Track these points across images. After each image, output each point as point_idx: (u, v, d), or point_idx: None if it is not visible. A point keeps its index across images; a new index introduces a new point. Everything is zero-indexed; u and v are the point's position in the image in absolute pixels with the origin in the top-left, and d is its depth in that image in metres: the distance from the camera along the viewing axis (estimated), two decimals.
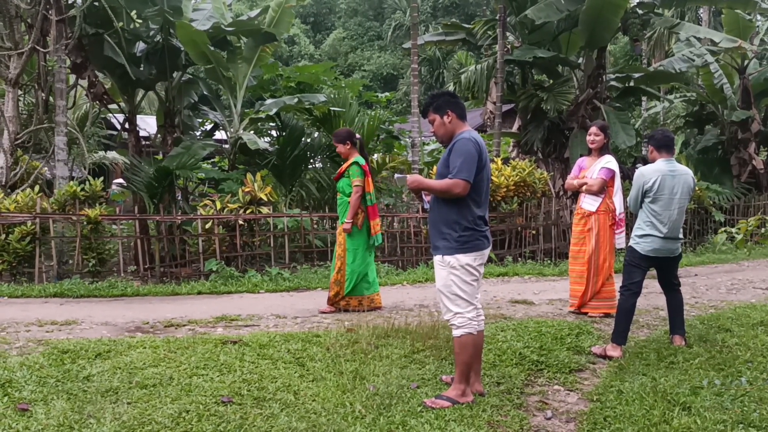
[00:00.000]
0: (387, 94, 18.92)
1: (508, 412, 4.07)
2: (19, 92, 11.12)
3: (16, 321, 6.49)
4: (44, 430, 3.53)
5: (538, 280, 9.90)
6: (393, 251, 11.31)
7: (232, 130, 12.25)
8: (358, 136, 7.26)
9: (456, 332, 4.15)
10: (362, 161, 7.04)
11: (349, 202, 6.99)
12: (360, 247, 7.09)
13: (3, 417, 3.67)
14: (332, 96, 12.95)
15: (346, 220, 6.98)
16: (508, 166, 12.40)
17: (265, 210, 10.26)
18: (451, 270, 4.11)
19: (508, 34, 15.40)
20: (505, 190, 11.85)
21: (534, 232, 12.33)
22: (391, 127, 15.21)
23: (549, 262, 11.89)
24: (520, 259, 11.93)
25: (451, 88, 19.18)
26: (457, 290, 4.10)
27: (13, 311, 7.06)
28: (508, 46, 15.41)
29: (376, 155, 14.04)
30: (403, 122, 17.53)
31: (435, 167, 12.37)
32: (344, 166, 7.10)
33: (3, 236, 8.89)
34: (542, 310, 7.33)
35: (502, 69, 14.70)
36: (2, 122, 10.70)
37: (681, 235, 5.54)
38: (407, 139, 16.02)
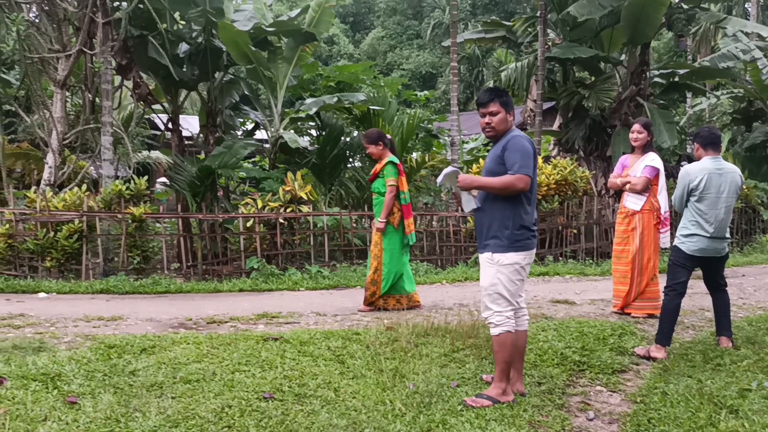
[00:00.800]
0: (426, 92, 18.89)
1: (549, 413, 4.04)
2: (67, 93, 11.39)
3: (64, 316, 6.66)
4: (92, 422, 3.61)
5: (580, 280, 9.77)
6: (432, 250, 11.28)
7: (272, 129, 12.37)
8: (388, 136, 7.24)
9: (494, 330, 4.13)
10: (396, 160, 7.03)
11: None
12: (396, 247, 7.07)
13: (53, 409, 3.77)
14: (371, 95, 12.99)
15: (380, 219, 6.96)
16: (549, 164, 12.28)
17: (305, 208, 10.34)
18: (499, 268, 4.08)
19: (548, 31, 15.21)
20: (545, 188, 11.72)
21: (575, 231, 12.17)
22: (430, 125, 15.18)
23: (590, 261, 11.73)
24: (560, 258, 11.79)
25: (491, 86, 19.01)
26: (501, 289, 4.08)
27: (62, 307, 7.25)
28: (549, 44, 15.23)
29: (414, 154, 14.04)
30: (443, 120, 17.46)
31: (475, 166, 12.34)
32: (378, 166, 7.09)
33: (52, 234, 9.13)
34: (584, 310, 7.24)
35: (543, 66, 14.54)
36: (51, 123, 10.98)
37: (728, 235, 5.42)
38: (446, 138, 15.97)
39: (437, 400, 4.12)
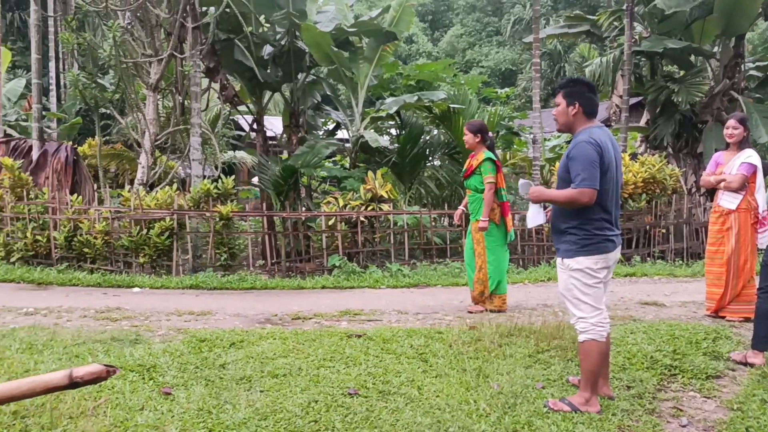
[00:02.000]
0: (507, 89, 18.65)
1: (639, 418, 3.91)
2: (158, 96, 11.87)
3: (157, 310, 6.95)
4: (186, 413, 3.75)
5: (669, 281, 9.42)
6: (514, 249, 11.13)
7: (353, 128, 12.50)
8: (491, 134, 7.14)
9: (580, 337, 4.02)
10: (494, 157, 6.91)
11: (483, 199, 6.86)
12: (499, 244, 6.97)
13: (149, 399, 3.94)
14: (452, 93, 12.92)
15: (482, 218, 6.81)
16: (636, 162, 11.89)
17: (385, 207, 10.40)
18: (570, 273, 3.99)
19: (635, 24, 14.73)
20: (632, 187, 11.36)
21: (664, 231, 11.73)
22: (510, 123, 14.98)
23: (680, 262, 11.29)
24: (648, 259, 11.40)
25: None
26: (578, 294, 3.97)
27: (154, 301, 7.56)
28: (636, 37, 14.74)
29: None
30: (524, 118, 17.21)
31: (557, 164, 12.10)
32: (474, 162, 6.95)
33: (145, 231, 9.53)
34: (674, 313, 6.97)
35: (630, 61, 14.08)
36: (144, 125, 11.47)
37: None
38: (528, 135, 15.72)
39: (522, 401, 4.06)
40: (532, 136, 15.16)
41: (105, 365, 1.70)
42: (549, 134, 17.92)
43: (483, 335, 5.45)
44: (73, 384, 1.65)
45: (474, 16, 53.46)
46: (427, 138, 13.08)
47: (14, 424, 3.41)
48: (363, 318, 6.69)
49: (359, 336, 5.49)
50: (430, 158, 13.25)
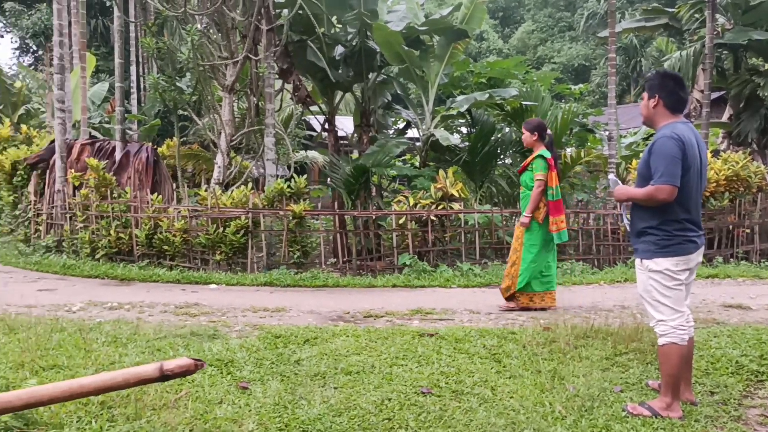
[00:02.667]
0: (580, 86, 18.23)
1: (724, 425, 3.76)
2: (234, 98, 12.16)
3: (233, 306, 7.13)
4: (262, 407, 3.83)
5: (755, 283, 9.01)
6: (588, 249, 10.87)
7: (424, 127, 12.48)
8: (549, 132, 7.02)
9: (659, 340, 3.89)
10: (548, 154, 6.81)
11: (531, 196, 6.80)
12: (538, 243, 6.84)
13: (227, 393, 4.04)
14: (524, 90, 12.73)
15: (525, 214, 6.78)
16: (719, 159, 11.42)
17: (456, 206, 10.35)
18: (649, 274, 3.86)
19: (717, 15, 14.16)
20: (714, 185, 10.91)
21: (748, 230, 11.22)
22: (584, 119, 14.64)
23: (766, 263, 10.78)
24: (731, 260, 10.93)
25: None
26: (658, 296, 3.84)
27: (231, 298, 7.76)
28: (718, 29, 14.17)
29: (569, 149, 13.60)
30: (598, 114, 16.78)
31: (634, 161, 11.73)
32: (529, 159, 6.93)
33: (221, 229, 9.78)
34: (761, 316, 6.66)
35: (711, 54, 13.54)
36: (220, 125, 11.77)
37: None
38: (603, 133, 15.33)
39: (599, 405, 3.97)
40: (607, 133, 14.77)
41: (193, 359, 1.76)
42: (625, 131, 17.43)
43: (558, 336, 5.35)
44: (164, 377, 1.72)
45: (546, 11, 52.56)
46: (499, 136, 12.93)
47: (101, 414, 3.56)
48: (434, 317, 6.68)
49: (431, 335, 5.48)
50: (502, 156, 13.09)
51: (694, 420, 3.77)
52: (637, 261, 3.97)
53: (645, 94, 3.97)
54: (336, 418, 3.71)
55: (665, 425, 3.68)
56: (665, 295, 3.83)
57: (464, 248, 10.40)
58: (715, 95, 15.97)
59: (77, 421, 3.43)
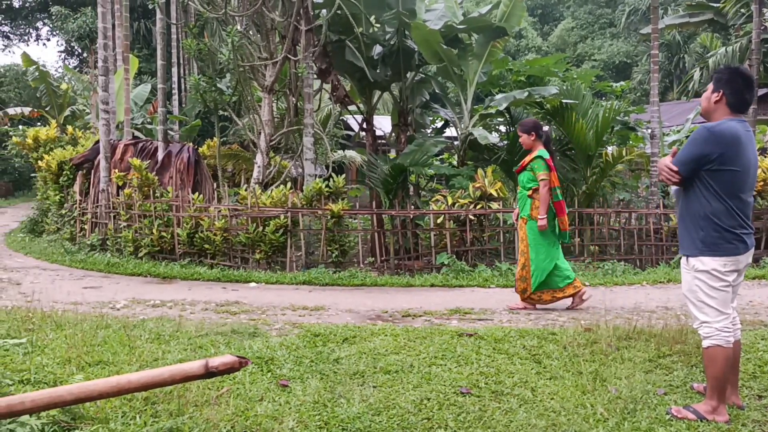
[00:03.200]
0: (622, 83, 17.90)
1: None
2: (273, 98, 12.27)
3: (273, 305, 7.19)
4: (302, 405, 3.85)
5: None
6: (630, 249, 10.70)
7: (462, 126, 12.42)
8: (545, 128, 7.00)
9: (704, 343, 3.80)
10: (546, 155, 6.80)
11: (528, 196, 6.83)
12: (544, 243, 6.83)
13: (268, 391, 4.08)
14: (564, 88, 12.58)
15: (540, 216, 6.73)
16: (766, 156, 11.12)
17: (494, 205, 10.29)
18: (695, 274, 3.76)
19: (765, 10, 13.79)
20: (761, 183, 10.64)
21: None
22: (626, 117, 14.38)
23: None
24: None
25: (696, 74, 17.65)
26: (703, 297, 3.74)
27: (270, 296, 7.83)
28: (765, 24, 13.80)
29: (610, 148, 13.38)
30: (640, 112, 16.48)
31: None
32: (527, 158, 6.90)
33: (261, 228, 9.89)
34: None
35: (758, 49, 13.19)
36: (260, 125, 11.89)
37: None
38: (645, 131, 15.04)
39: (642, 407, 3.90)
40: (649, 131, 14.49)
41: (237, 356, 1.78)
42: (668, 129, 17.08)
43: (599, 337, 5.27)
44: (209, 373, 1.74)
45: (586, 8, 51.82)
46: None
47: (145, 410, 3.63)
48: (473, 317, 6.65)
49: (470, 335, 5.45)
50: None
51: (741, 424, 3.67)
52: (683, 259, 3.88)
53: (710, 86, 3.87)
54: (375, 417, 3.72)
55: (711, 429, 3.60)
56: (711, 296, 3.74)
57: (503, 248, 10.33)
58: (762, 92, 15.57)
59: (122, 417, 3.50)
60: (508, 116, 12.74)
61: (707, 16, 15.17)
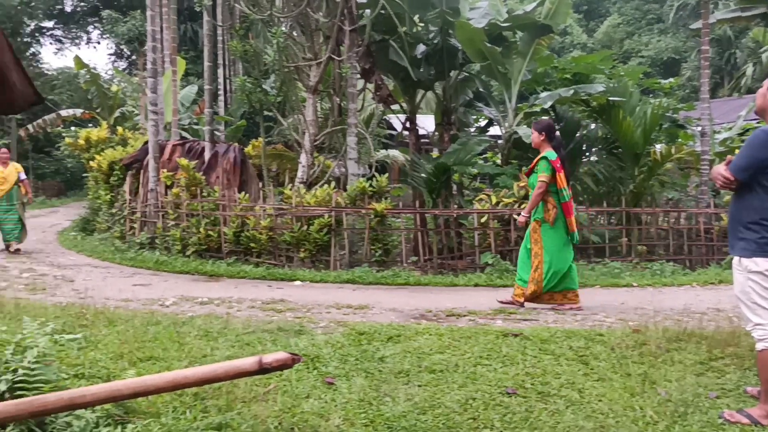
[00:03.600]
0: (670, 80, 17.52)
1: None
2: (317, 98, 12.36)
3: (318, 303, 7.26)
4: (348, 403, 3.88)
5: None
6: (679, 249, 10.48)
7: (506, 125, 12.33)
8: (558, 135, 7.05)
9: (758, 345, 3.70)
10: (553, 156, 6.80)
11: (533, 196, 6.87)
12: (556, 245, 6.85)
13: (314, 388, 4.12)
14: (610, 85, 12.37)
15: (523, 213, 6.91)
16: None
17: None
18: (748, 275, 3.66)
19: None
20: None
21: None
22: (675, 115, 14.08)
23: None
24: None
25: (749, 70, 17.15)
26: (756, 298, 3.64)
27: (315, 294, 7.90)
28: None
29: (658, 146, 13.12)
30: (690, 109, 16.09)
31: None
32: (535, 160, 6.94)
33: (305, 227, 9.98)
34: None
35: None
36: (304, 125, 12.00)
37: None
38: (695, 128, 14.69)
39: (693, 411, 3.82)
40: (699, 128, 14.15)
41: (290, 353, 1.81)
42: (719, 126, 16.65)
43: (648, 339, 5.17)
44: (262, 370, 1.77)
45: (633, 3, 50.83)
46: (584, 132, 12.63)
47: (195, 405, 3.69)
48: (518, 317, 6.60)
49: (516, 335, 5.41)
50: (587, 154, 12.78)
51: None
52: (735, 260, 3.79)
53: (766, 82, 3.79)
54: (421, 416, 3.72)
55: None
56: (764, 298, 3.64)
57: None
58: None
59: (173, 411, 3.57)
60: (553, 114, 12.59)
61: (760, 9, 14.72)
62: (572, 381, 4.33)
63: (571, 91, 11.47)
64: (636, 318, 6.37)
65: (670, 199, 12.41)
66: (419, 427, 3.58)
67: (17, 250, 12.09)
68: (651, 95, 18.31)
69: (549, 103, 11.55)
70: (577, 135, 12.06)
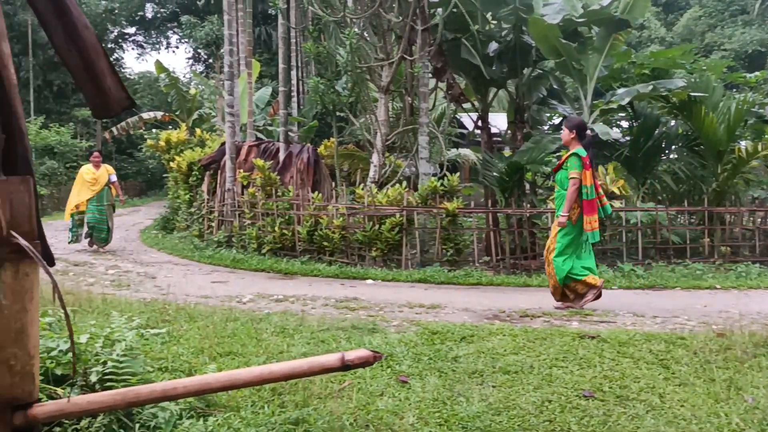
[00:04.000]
0: (756, 73, 16.77)
1: None
2: (389, 98, 12.41)
3: (390, 302, 7.29)
4: (421, 402, 3.89)
5: None
6: (766, 250, 10.02)
7: None
8: (589, 133, 6.99)
9: None
10: (583, 153, 6.69)
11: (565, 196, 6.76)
12: (569, 242, 6.80)
13: (388, 386, 4.14)
14: (691, 80, 11.94)
15: (561, 214, 6.75)
16: None
17: (616, 203, 9.93)
18: None
19: None
20: None
21: None
22: (761, 110, 13.46)
23: None
24: None
25: None
26: None
27: (387, 293, 7.95)
28: None
29: (743, 143, 12.58)
30: None
31: None
32: (564, 157, 6.86)
33: (377, 227, 10.05)
34: None
35: None
36: (376, 125, 12.08)
37: None
38: None
39: None
40: None
41: (372, 351, 1.83)
42: None
43: (733, 344, 4.97)
44: (345, 366, 1.81)
45: None
46: (663, 129, 12.23)
47: (273, 400, 3.78)
48: (595, 319, 6.45)
49: (593, 337, 5.29)
50: (667, 151, 12.37)
51: None
52: None
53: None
54: (495, 417, 3.69)
55: None
56: None
57: (625, 248, 9.97)
58: None
59: (251, 405, 3.67)
60: (630, 111, 12.25)
61: None
62: (652, 385, 4.21)
63: (650, 87, 11.14)
64: (720, 321, 6.14)
65: (756, 198, 11.88)
66: (494, 428, 3.55)
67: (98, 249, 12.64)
68: (735, 90, 17.61)
69: (626, 100, 11.24)
70: (656, 132, 11.68)
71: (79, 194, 12.38)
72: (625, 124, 13.42)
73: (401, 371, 4.43)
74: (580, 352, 4.85)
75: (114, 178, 12.79)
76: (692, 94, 11.37)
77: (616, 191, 9.89)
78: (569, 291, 6.97)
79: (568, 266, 6.82)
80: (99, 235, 12.49)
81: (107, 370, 3.39)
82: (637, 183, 11.70)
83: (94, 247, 12.57)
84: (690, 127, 11.78)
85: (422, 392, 4.03)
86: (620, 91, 11.76)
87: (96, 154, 12.94)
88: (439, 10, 11.48)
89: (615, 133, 11.64)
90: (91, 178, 12.34)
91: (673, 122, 12.72)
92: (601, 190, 7.03)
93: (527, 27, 11.26)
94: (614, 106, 11.50)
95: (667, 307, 7.01)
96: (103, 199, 12.40)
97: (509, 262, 10.13)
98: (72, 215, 12.47)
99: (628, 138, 12.41)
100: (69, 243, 12.65)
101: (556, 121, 14.26)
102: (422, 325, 5.82)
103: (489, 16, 12.16)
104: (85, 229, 12.50)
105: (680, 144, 12.18)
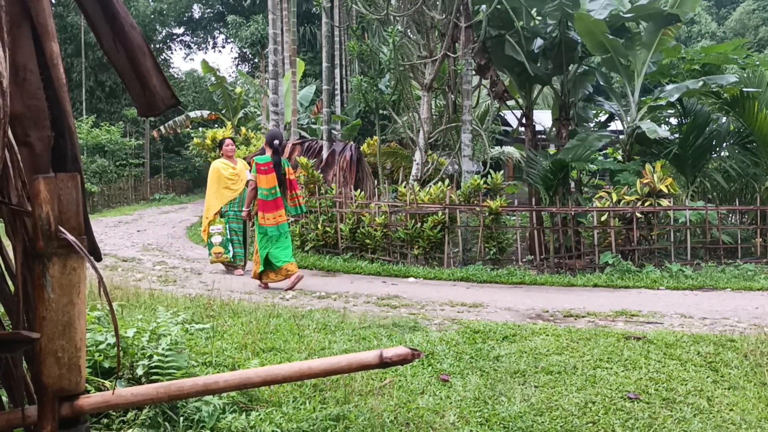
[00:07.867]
0: None
1: None
2: (431, 95, 12.38)
3: (431, 300, 7.28)
4: (462, 401, 3.87)
5: None
6: None
7: (628, 119, 11.84)
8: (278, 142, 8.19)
9: None
10: (263, 160, 8.01)
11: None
12: (261, 237, 8.14)
13: (429, 384, 4.14)
14: (744, 76, 11.60)
15: (244, 209, 8.58)
16: None
17: (664, 202, 9.72)
18: None
19: None
20: None
21: None
22: None
23: None
24: None
25: None
26: None
27: (429, 291, 7.93)
28: None
29: None
30: None
31: None
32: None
33: (419, 224, 10.02)
34: None
35: None
36: (419, 123, 12.06)
37: None
38: None
39: None
40: None
41: (410, 349, 1.83)
42: None
43: None
44: (383, 363, 1.81)
45: None
46: (714, 126, 11.91)
47: (314, 396, 3.82)
48: (641, 320, 6.33)
49: (638, 338, 5.19)
50: (717, 149, 12.05)
51: None
52: None
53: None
54: (537, 417, 3.66)
55: None
56: None
57: (673, 248, 9.74)
58: None
59: (293, 401, 3.70)
60: (680, 107, 11.96)
61: None
62: (700, 388, 4.11)
63: (700, 83, 10.86)
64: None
65: None
66: (536, 429, 3.52)
67: (235, 270, 9.63)
68: None
69: (675, 96, 10.98)
70: (707, 129, 11.38)
71: (221, 196, 9.48)
72: (673, 121, 13.10)
73: (442, 370, 4.43)
74: (625, 354, 4.77)
75: (251, 175, 8.49)
76: (745, 89, 11.04)
77: (664, 189, 9.66)
78: (268, 273, 8.06)
79: (261, 258, 8.05)
80: (239, 252, 9.63)
81: (153, 364, 3.46)
82: (687, 181, 11.42)
83: (238, 272, 9.54)
84: (742, 124, 11.45)
85: (463, 391, 4.02)
86: (669, 87, 11.49)
87: (228, 141, 9.84)
88: (483, 6, 11.39)
89: (663, 131, 11.36)
90: (231, 173, 9.52)
91: (724, 119, 12.37)
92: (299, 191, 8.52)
93: (573, 23, 11.09)
94: (663, 102, 11.24)
95: (716, 308, 6.83)
96: (243, 205, 9.08)
97: (553, 262, 10.00)
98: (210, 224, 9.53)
99: (676, 135, 12.13)
100: (227, 260, 9.54)
101: (603, 117, 14.02)
102: (464, 323, 5.80)
103: (534, 12, 12.02)
104: (219, 239, 9.44)
105: (732, 141, 11.85)
